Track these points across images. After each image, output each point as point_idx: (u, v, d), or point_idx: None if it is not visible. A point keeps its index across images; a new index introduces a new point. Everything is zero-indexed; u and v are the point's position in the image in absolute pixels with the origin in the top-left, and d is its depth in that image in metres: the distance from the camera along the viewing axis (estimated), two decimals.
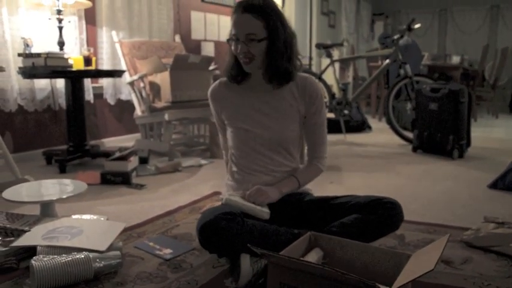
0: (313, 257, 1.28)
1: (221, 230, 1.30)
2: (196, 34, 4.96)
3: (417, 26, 4.06)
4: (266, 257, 1.12)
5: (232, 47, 1.50)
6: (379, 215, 1.41)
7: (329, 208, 1.53)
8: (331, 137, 4.41)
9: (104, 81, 3.94)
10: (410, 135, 3.86)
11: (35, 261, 1.26)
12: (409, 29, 4.01)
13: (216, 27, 5.24)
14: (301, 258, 1.22)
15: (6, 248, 1.46)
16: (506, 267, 1.45)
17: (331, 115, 3.89)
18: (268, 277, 1.14)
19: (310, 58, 5.91)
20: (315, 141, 1.63)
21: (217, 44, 5.22)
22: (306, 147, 1.69)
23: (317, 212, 1.55)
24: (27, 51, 2.97)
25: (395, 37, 4.08)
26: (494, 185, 2.47)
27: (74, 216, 1.72)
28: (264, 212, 1.45)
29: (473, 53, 8.25)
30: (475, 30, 9.12)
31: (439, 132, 3.38)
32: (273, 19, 1.45)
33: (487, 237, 1.59)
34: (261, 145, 1.57)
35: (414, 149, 3.61)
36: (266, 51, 1.48)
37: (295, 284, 1.08)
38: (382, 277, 1.19)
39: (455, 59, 6.58)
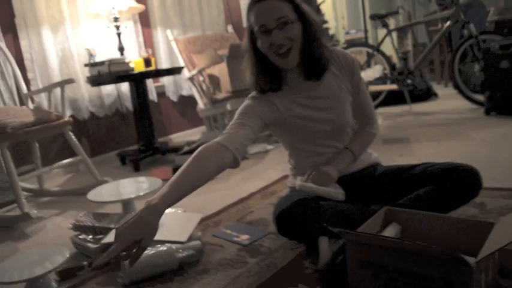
0: (391, 232, 1.26)
1: (298, 217, 1.32)
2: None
3: None
4: (344, 235, 1.12)
5: (262, 45, 1.35)
6: (456, 184, 1.36)
7: (403, 181, 1.49)
8: (396, 109, 4.28)
9: (165, 80, 4.08)
10: (480, 98, 3.65)
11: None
12: None
13: None
14: (379, 234, 1.21)
15: (98, 245, 1.57)
16: None
17: (394, 86, 3.76)
18: (348, 255, 1.14)
19: (366, 30, 5.73)
20: (363, 108, 1.57)
21: None
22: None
23: (391, 186, 1.51)
24: (92, 61, 3.14)
25: None
26: None
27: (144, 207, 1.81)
28: (339, 193, 1.44)
29: None
30: None
31: None
32: (299, 2, 1.37)
33: None
34: (324, 139, 1.52)
35: (487, 112, 3.41)
36: (302, 37, 1.37)
37: (375, 260, 1.08)
38: (466, 248, 1.15)
39: None
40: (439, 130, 3.17)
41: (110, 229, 1.63)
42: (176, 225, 1.58)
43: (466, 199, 1.41)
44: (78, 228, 1.72)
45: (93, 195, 1.90)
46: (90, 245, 1.60)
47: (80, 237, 1.68)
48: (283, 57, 1.36)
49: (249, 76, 1.45)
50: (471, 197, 1.41)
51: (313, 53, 1.40)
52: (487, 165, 2.14)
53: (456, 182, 1.36)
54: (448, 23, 3.91)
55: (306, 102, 1.48)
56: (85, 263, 1.53)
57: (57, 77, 3.22)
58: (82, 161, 2.62)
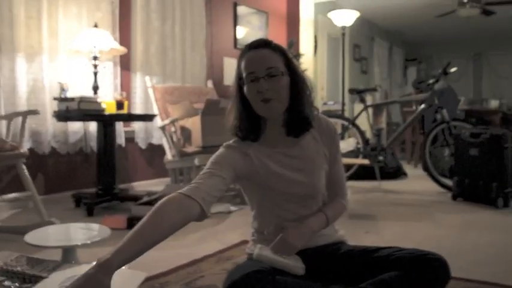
0: None
1: None
2: (228, 80, 5.00)
3: (453, 69, 3.98)
4: None
5: (248, 91, 1.32)
6: (424, 273, 1.27)
7: (368, 262, 1.39)
8: (365, 184, 4.26)
9: (136, 125, 3.98)
10: (448, 182, 3.68)
11: None
12: (445, 73, 3.92)
13: None
14: None
15: None
16: None
17: (366, 161, 3.76)
18: None
19: (343, 103, 5.85)
20: (337, 179, 1.50)
21: None
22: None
23: (355, 266, 1.40)
24: (62, 95, 3.04)
25: (431, 81, 3.99)
26: None
27: (94, 263, 1.64)
28: (299, 267, 1.31)
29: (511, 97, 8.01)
30: None
31: (481, 179, 3.19)
32: (290, 58, 1.36)
33: None
34: (293, 203, 1.42)
35: (454, 197, 3.42)
36: (289, 91, 1.34)
37: None
38: None
39: (494, 103, 6.38)
40: (406, 210, 3.13)
41: (41, 278, 1.45)
42: (117, 282, 1.41)
43: None
44: (5, 272, 1.53)
45: (32, 236, 1.73)
46: None
47: (5, 284, 1.49)
48: (266, 102, 1.31)
49: (231, 120, 1.40)
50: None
51: (299, 108, 1.37)
52: (453, 252, 2.07)
53: (424, 271, 1.27)
54: (423, 106, 4.02)
55: (281, 159, 1.41)
56: None
57: (23, 107, 3.08)
58: (31, 197, 2.43)
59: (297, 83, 1.35)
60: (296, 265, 1.29)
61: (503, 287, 1.64)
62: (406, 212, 3.06)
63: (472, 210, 3.07)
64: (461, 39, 9.14)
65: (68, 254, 1.71)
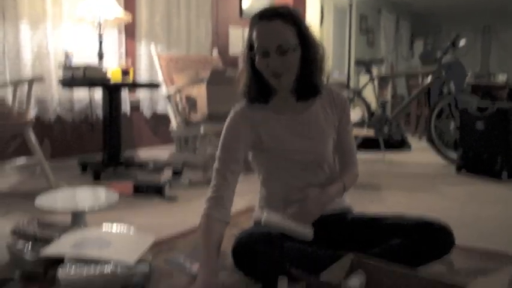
0: (355, 281, 1.18)
1: (258, 254, 1.22)
2: (233, 49, 4.95)
3: (462, 42, 3.91)
4: (306, 280, 1.02)
5: (259, 63, 1.32)
6: (428, 240, 1.30)
7: (374, 229, 1.42)
8: (370, 155, 4.27)
9: (141, 94, 3.97)
10: (452, 154, 3.68)
11: (61, 273, 1.22)
12: (454, 45, 3.86)
13: None
14: (342, 283, 1.12)
15: (35, 259, 1.42)
16: None
17: (371, 132, 3.76)
18: None
19: (349, 75, 5.80)
20: (348, 148, 1.51)
21: None
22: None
23: (362, 233, 1.44)
24: (67, 63, 3.02)
25: (439, 54, 3.94)
26: None
27: (103, 227, 1.67)
28: (307, 233, 1.32)
29: None
30: None
31: (485, 152, 3.19)
32: (303, 25, 1.32)
33: None
34: (299, 169, 1.44)
35: (458, 169, 3.42)
36: (300, 62, 1.34)
37: None
38: None
39: (501, 78, 6.31)
40: (410, 181, 3.15)
41: (52, 239, 1.48)
42: (126, 245, 1.45)
43: (436, 256, 1.36)
44: (18, 234, 1.57)
45: (42, 200, 1.75)
46: (25, 255, 1.44)
47: (18, 244, 1.52)
48: (277, 77, 1.32)
49: (241, 83, 1.42)
50: (442, 255, 1.35)
51: (309, 77, 1.37)
52: (456, 223, 2.08)
53: (429, 238, 1.30)
54: (430, 78, 3.98)
55: (289, 125, 1.43)
56: (17, 274, 1.38)
57: (28, 74, 3.08)
58: (38, 163, 2.46)
59: (309, 52, 1.34)
60: (304, 231, 1.31)
61: (505, 256, 1.66)
62: (410, 183, 3.08)
63: (476, 183, 3.08)
64: (469, 12, 8.96)
65: (77, 218, 1.74)
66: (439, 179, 3.23)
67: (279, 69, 1.30)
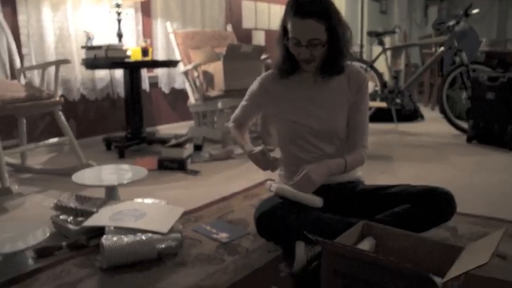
0: (366, 245, 1.31)
1: (278, 220, 1.37)
2: (247, 23, 5.01)
3: (475, 11, 3.92)
4: (321, 244, 1.17)
5: (291, 48, 1.49)
6: (431, 206, 1.43)
7: (382, 198, 1.55)
8: (382, 126, 4.35)
9: (159, 71, 4.08)
10: (464, 124, 3.75)
11: (105, 241, 1.38)
12: (466, 14, 3.87)
13: (266, 16, 5.27)
14: (355, 247, 1.26)
15: (78, 227, 1.59)
16: None
17: (383, 104, 3.84)
18: (323, 264, 1.18)
19: (362, 46, 5.82)
20: (359, 128, 1.61)
21: (268, 33, 5.24)
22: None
23: (370, 202, 1.57)
24: (89, 44, 3.13)
25: (451, 23, 3.95)
26: None
27: (136, 200, 1.83)
28: (316, 200, 1.48)
29: None
30: None
31: (496, 122, 3.27)
32: (334, 19, 1.44)
33: None
34: (313, 136, 1.59)
35: (469, 140, 3.51)
36: (327, 52, 1.49)
37: (348, 271, 1.13)
38: (434, 268, 1.21)
39: None
40: (421, 152, 3.25)
41: (91, 212, 1.65)
42: (159, 216, 1.61)
43: (440, 220, 1.49)
44: (60, 208, 1.73)
45: (78, 177, 1.91)
46: (70, 226, 1.62)
47: (61, 217, 1.70)
48: (306, 63, 1.51)
49: (276, 55, 1.61)
50: (445, 220, 1.49)
51: (335, 60, 1.53)
52: (463, 191, 2.21)
53: (432, 203, 1.43)
54: (442, 48, 4.02)
55: (308, 95, 1.60)
56: (63, 243, 1.55)
57: (51, 56, 3.21)
58: (69, 142, 2.62)
59: (338, 42, 1.48)
60: (314, 198, 1.44)
61: (505, 222, 1.78)
62: (421, 154, 3.18)
63: (486, 153, 3.17)
64: None
65: (111, 192, 1.90)
66: (449, 149, 3.32)
67: (309, 58, 1.48)
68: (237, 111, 1.77)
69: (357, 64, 4.52)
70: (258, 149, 1.51)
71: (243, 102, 1.74)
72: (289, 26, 1.47)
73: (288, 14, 1.47)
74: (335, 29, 1.45)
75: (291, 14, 1.44)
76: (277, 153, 1.70)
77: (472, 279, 1.28)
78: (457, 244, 1.30)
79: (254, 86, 1.70)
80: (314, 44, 1.44)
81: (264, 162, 1.50)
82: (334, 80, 1.58)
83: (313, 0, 1.42)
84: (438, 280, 1.03)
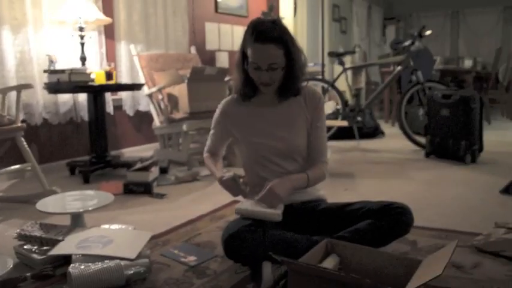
0: (330, 262, 1.36)
1: (244, 242, 1.41)
2: (210, 44, 5.08)
3: (428, 32, 4.13)
4: (286, 264, 1.21)
5: (251, 73, 1.57)
6: (390, 220, 1.51)
7: (344, 215, 1.62)
8: (345, 144, 4.48)
9: (123, 94, 4.07)
10: (422, 140, 3.92)
11: (72, 269, 1.37)
12: (420, 36, 4.07)
13: (229, 37, 5.36)
14: (319, 265, 1.31)
15: (43, 257, 1.57)
16: None
17: (345, 123, 3.96)
18: (289, 283, 1.22)
19: (323, 65, 5.99)
20: (318, 145, 1.69)
21: (231, 54, 5.33)
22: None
23: (332, 219, 1.64)
24: (51, 68, 3.11)
25: (407, 44, 4.15)
26: (506, 191, 2.52)
27: (102, 226, 1.83)
28: (275, 214, 1.50)
29: (487, 54, 8.22)
30: (488, 32, 9.09)
31: (451, 137, 3.43)
32: (291, 44, 1.54)
33: (497, 243, 1.65)
34: (276, 155, 1.66)
35: (427, 155, 3.66)
36: (284, 76, 1.57)
37: None
38: (395, 281, 1.27)
39: (468, 63, 6.60)
40: (382, 168, 3.37)
41: (57, 241, 1.63)
42: (126, 242, 1.61)
43: (399, 234, 1.57)
44: (24, 237, 1.71)
45: (42, 205, 1.89)
46: (35, 256, 1.59)
47: (25, 247, 1.67)
48: (265, 86, 1.59)
49: (235, 80, 1.70)
50: (404, 233, 1.57)
51: (291, 83, 1.62)
52: (422, 205, 2.32)
53: (391, 218, 1.51)
54: (399, 68, 4.20)
55: (268, 116, 1.68)
56: (28, 274, 1.52)
57: (12, 79, 3.15)
58: (31, 168, 2.57)
59: (294, 65, 1.57)
60: (273, 212, 1.47)
61: (461, 233, 1.88)
62: (382, 170, 3.30)
63: (443, 167, 3.32)
64: None
65: (77, 219, 1.88)
66: (409, 164, 3.46)
67: (268, 81, 1.56)
68: (208, 141, 1.83)
69: (318, 83, 4.71)
70: (228, 175, 1.56)
71: (211, 131, 1.82)
72: (249, 52, 1.54)
73: (247, 40, 1.54)
74: (292, 53, 1.54)
75: (251, 41, 1.52)
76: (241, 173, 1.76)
77: None
78: (415, 257, 1.37)
79: (216, 113, 1.77)
80: (273, 68, 1.53)
81: (234, 188, 1.57)
82: (292, 100, 1.67)
83: (271, 27, 1.51)
84: None
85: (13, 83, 3.12)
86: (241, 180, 1.59)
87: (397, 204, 1.57)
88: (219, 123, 1.77)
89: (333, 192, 2.12)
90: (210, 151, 1.83)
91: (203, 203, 2.49)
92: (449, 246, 1.22)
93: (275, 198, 1.50)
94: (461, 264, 1.57)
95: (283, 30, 1.55)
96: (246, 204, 1.54)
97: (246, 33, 1.55)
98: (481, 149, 3.48)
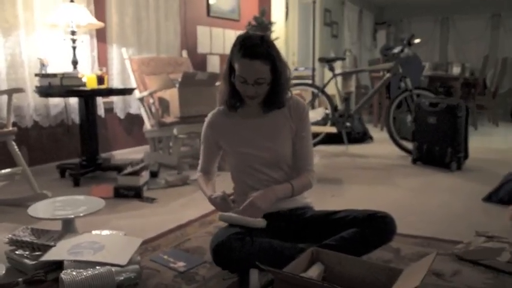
0: (315, 271, 1.41)
1: (232, 250, 1.46)
2: (202, 48, 5.11)
3: (417, 41, 4.20)
4: (272, 273, 1.25)
5: (238, 86, 1.62)
6: (374, 229, 1.56)
7: (329, 223, 1.68)
8: (333, 148, 4.53)
9: (114, 97, 4.09)
10: (410, 146, 3.98)
11: (64, 275, 1.40)
12: (409, 43, 4.14)
13: (221, 40, 5.39)
14: (304, 273, 1.36)
15: (35, 262, 1.60)
16: (493, 279, 1.57)
17: (333, 129, 4.01)
18: None
19: (313, 69, 6.05)
20: (304, 154, 1.75)
21: (223, 57, 5.36)
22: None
23: (318, 227, 1.69)
24: (43, 71, 3.12)
25: (396, 51, 4.22)
26: (488, 199, 2.59)
27: (94, 232, 1.86)
28: (259, 221, 1.56)
29: (475, 60, 8.34)
30: (477, 38, 9.23)
31: (437, 145, 3.50)
32: (277, 60, 1.59)
33: (476, 251, 1.71)
34: (262, 165, 1.72)
35: (414, 161, 3.73)
36: (270, 89, 1.63)
37: None
38: None
39: (456, 70, 6.70)
40: (370, 174, 3.43)
41: (49, 246, 1.66)
42: (117, 248, 1.64)
43: (382, 242, 1.63)
44: (15, 242, 1.73)
45: (33, 210, 1.91)
46: (27, 261, 1.62)
47: (17, 252, 1.69)
48: (250, 99, 1.64)
49: (221, 92, 1.74)
50: (387, 241, 1.63)
51: (276, 96, 1.67)
52: (407, 212, 2.38)
53: (374, 226, 1.57)
54: (388, 75, 4.27)
55: (253, 127, 1.73)
56: (20, 279, 1.55)
57: (3, 82, 3.16)
58: (22, 172, 2.59)
59: (279, 79, 1.63)
60: (255, 220, 1.54)
61: (443, 241, 1.94)
62: (370, 176, 3.36)
63: (429, 173, 3.39)
64: (429, 2, 9.36)
65: (68, 225, 1.91)
66: (396, 170, 3.52)
67: (254, 95, 1.62)
68: (200, 159, 1.87)
69: (308, 89, 4.77)
70: (217, 194, 1.62)
71: (201, 147, 1.86)
72: (236, 66, 1.59)
73: (235, 54, 1.59)
74: (278, 68, 1.60)
75: (238, 56, 1.57)
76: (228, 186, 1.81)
77: None
78: (397, 266, 1.42)
79: (204, 127, 1.82)
80: (260, 83, 1.58)
81: (222, 206, 1.62)
82: (277, 112, 1.72)
83: (259, 43, 1.56)
84: None
85: (4, 85, 3.14)
86: (230, 197, 1.64)
87: (381, 213, 1.62)
88: (208, 137, 1.81)
89: (320, 199, 2.17)
90: (202, 170, 1.86)
91: (193, 207, 2.53)
92: (429, 257, 1.28)
93: (256, 211, 1.57)
94: (441, 272, 1.63)
95: (271, 46, 1.60)
96: (228, 213, 1.60)
97: (234, 47, 1.60)
98: (466, 156, 3.56)
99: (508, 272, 1.61)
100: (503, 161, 3.82)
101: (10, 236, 1.76)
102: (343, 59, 5.17)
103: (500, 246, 1.71)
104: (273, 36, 5.31)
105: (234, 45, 1.60)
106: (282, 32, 6.24)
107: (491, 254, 1.68)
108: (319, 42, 7.24)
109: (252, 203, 1.56)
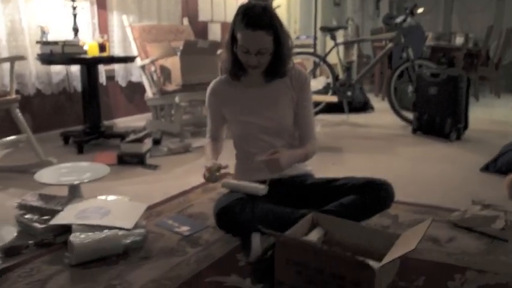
0: (315, 235, 1.46)
1: (235, 214, 1.51)
2: (203, 15, 5.06)
3: (420, 10, 4.16)
4: (274, 236, 1.30)
5: (240, 56, 1.63)
6: (372, 196, 1.61)
7: (330, 190, 1.72)
8: (334, 118, 4.55)
9: (116, 65, 4.08)
10: (410, 116, 4.00)
11: (73, 238, 1.46)
12: (412, 13, 4.10)
13: (222, 8, 5.33)
14: (304, 237, 1.41)
15: (44, 226, 1.65)
16: (486, 245, 1.63)
17: (334, 98, 4.02)
18: (276, 254, 1.32)
19: (315, 38, 5.99)
20: (306, 124, 1.78)
21: (224, 25, 5.31)
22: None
23: (318, 194, 1.73)
24: (44, 38, 3.11)
25: (399, 20, 4.17)
26: (486, 168, 2.63)
27: (99, 197, 1.90)
28: (260, 188, 1.60)
29: (479, 31, 8.23)
30: (482, 8, 9.09)
31: (437, 115, 3.52)
32: (280, 30, 1.60)
33: (471, 219, 1.76)
34: (264, 133, 1.75)
35: (414, 131, 3.76)
36: (272, 59, 1.64)
37: (299, 259, 1.27)
38: (375, 253, 1.37)
39: (459, 40, 6.63)
40: (370, 143, 3.46)
41: (57, 211, 1.71)
42: (123, 212, 1.69)
43: (380, 208, 1.68)
44: (24, 207, 1.78)
45: (40, 176, 1.95)
46: (36, 225, 1.67)
47: (26, 216, 1.74)
48: (253, 68, 1.65)
49: (223, 60, 1.75)
50: (385, 207, 1.68)
51: (278, 65, 1.68)
52: (406, 181, 2.42)
53: (373, 193, 1.61)
54: (390, 44, 4.24)
55: (255, 96, 1.75)
56: (30, 241, 1.61)
57: (4, 50, 3.15)
58: (26, 139, 2.62)
59: (282, 49, 1.64)
60: (257, 187, 1.59)
61: (440, 209, 1.99)
62: (370, 145, 3.39)
63: (428, 143, 3.42)
64: None
65: (74, 190, 1.95)
66: (396, 140, 3.56)
67: (256, 65, 1.62)
68: (207, 126, 1.89)
69: (310, 57, 4.74)
70: (209, 164, 1.63)
71: (208, 115, 1.88)
72: (238, 36, 1.59)
73: (237, 24, 1.59)
74: (280, 39, 1.61)
75: (241, 26, 1.57)
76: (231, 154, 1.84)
77: (408, 261, 1.45)
78: (395, 232, 1.47)
79: (207, 95, 1.83)
80: (262, 53, 1.59)
81: (208, 177, 1.63)
82: (279, 81, 1.74)
83: (261, 13, 1.56)
84: (376, 265, 1.19)
85: (5, 53, 3.13)
86: (221, 171, 1.63)
87: (380, 180, 1.66)
88: (211, 104, 1.83)
89: (321, 166, 2.21)
90: (211, 136, 1.88)
91: (195, 174, 2.56)
92: (425, 223, 1.32)
93: (277, 167, 1.56)
94: (437, 238, 1.68)
95: (273, 16, 1.60)
96: (231, 180, 1.64)
97: (236, 17, 1.60)
98: (466, 126, 3.59)
99: (501, 238, 1.66)
100: (503, 132, 3.85)
101: (19, 201, 1.81)
102: (345, 28, 5.11)
103: (496, 214, 1.76)
104: (275, 4, 5.24)
105: (237, 14, 1.60)
106: None
107: (486, 222, 1.73)
108: (322, 10, 7.13)
109: (277, 161, 1.54)
